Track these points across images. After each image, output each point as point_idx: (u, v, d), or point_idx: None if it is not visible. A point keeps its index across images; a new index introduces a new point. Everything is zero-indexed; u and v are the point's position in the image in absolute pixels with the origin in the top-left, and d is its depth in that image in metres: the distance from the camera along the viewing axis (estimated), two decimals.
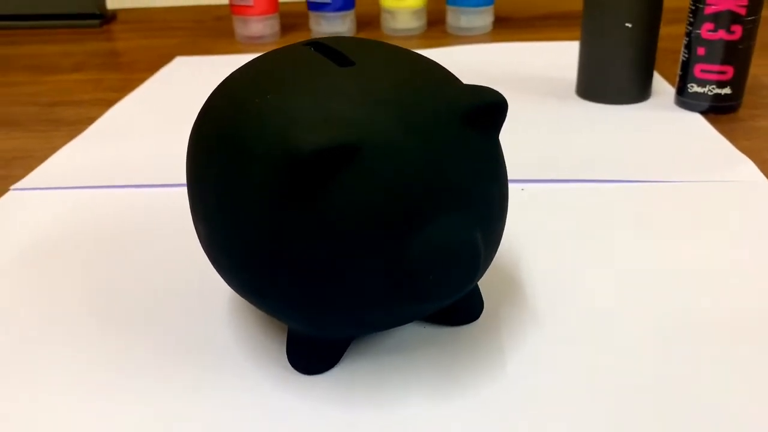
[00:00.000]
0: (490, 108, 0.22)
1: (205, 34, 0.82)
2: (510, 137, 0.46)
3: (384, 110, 0.21)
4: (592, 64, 0.51)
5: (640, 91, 0.51)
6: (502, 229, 0.25)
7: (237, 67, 0.25)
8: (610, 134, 0.46)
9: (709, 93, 0.48)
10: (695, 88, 0.49)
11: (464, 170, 0.22)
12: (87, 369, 0.26)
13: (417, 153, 0.21)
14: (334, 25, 0.75)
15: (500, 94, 0.23)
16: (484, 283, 0.30)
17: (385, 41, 0.26)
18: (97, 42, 0.80)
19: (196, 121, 0.25)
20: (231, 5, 0.75)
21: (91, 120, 0.54)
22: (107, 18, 0.90)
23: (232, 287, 0.25)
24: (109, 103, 0.58)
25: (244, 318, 0.29)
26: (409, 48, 0.27)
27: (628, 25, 0.48)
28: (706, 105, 0.49)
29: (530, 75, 0.59)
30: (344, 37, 0.26)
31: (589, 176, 0.40)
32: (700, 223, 0.35)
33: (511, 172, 0.41)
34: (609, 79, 0.51)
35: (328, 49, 0.25)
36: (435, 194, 0.21)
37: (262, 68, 0.24)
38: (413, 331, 0.28)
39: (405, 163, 0.21)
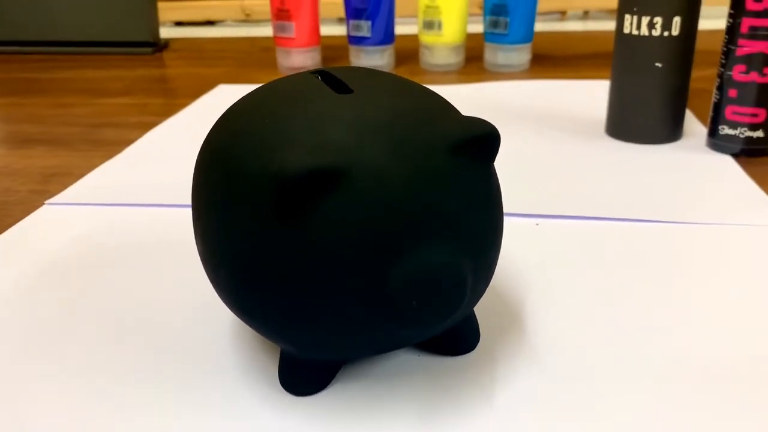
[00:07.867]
0: (481, 140, 0.23)
1: (251, 64, 0.85)
2: (531, 172, 0.46)
3: (375, 137, 0.22)
4: (622, 103, 0.51)
5: (670, 132, 0.51)
6: (496, 259, 0.25)
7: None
8: (635, 174, 0.46)
9: (741, 136, 0.47)
10: (726, 130, 0.48)
11: (453, 200, 0.22)
12: (73, 382, 0.27)
13: (404, 181, 0.21)
14: (374, 58, 0.77)
15: (492, 126, 0.23)
16: (484, 315, 0.30)
17: (385, 73, 0.26)
18: (147, 68, 0.84)
19: (201, 145, 0.26)
20: (274, 37, 0.78)
21: (130, 141, 0.56)
22: (160, 46, 0.94)
23: (228, 306, 0.25)
24: (150, 126, 0.60)
25: (244, 337, 0.29)
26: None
27: (658, 65, 0.48)
28: (737, 147, 0.48)
29: (561, 112, 0.59)
30: (353, 67, 0.27)
31: (609, 215, 0.40)
32: (720, 267, 0.34)
33: (529, 207, 0.41)
34: (638, 119, 0.50)
35: (332, 77, 0.26)
36: (421, 222, 0.22)
37: (265, 93, 0.25)
38: (406, 358, 0.28)
39: (392, 189, 0.21)
